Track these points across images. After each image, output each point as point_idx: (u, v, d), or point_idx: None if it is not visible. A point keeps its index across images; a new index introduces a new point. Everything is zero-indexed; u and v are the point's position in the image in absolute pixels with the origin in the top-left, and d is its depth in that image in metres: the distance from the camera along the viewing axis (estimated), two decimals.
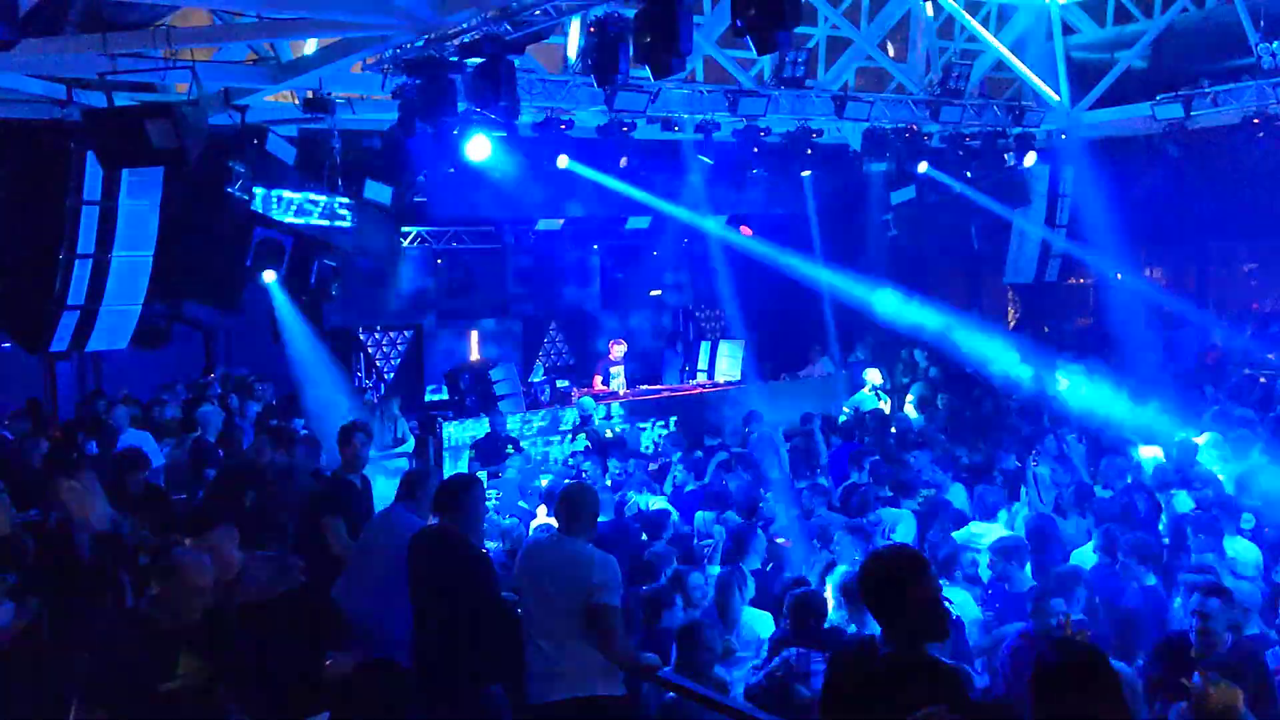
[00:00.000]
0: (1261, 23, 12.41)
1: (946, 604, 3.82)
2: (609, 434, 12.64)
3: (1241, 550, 7.07)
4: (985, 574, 6.78)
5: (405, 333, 14.47)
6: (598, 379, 14.71)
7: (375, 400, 13.24)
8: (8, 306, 11.33)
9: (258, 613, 5.02)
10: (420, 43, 9.09)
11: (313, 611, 5.34)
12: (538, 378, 14.75)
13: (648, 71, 7.74)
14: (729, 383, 15.49)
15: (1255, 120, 12.93)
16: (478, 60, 8.90)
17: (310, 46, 10.42)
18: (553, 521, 6.68)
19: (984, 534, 7.47)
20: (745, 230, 16.39)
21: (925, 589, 3.69)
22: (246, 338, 12.84)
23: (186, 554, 4.85)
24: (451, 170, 12.15)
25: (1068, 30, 15.11)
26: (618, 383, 14.57)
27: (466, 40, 8.80)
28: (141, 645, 4.53)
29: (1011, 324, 19.03)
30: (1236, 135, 13.34)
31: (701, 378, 16.03)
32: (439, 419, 12.81)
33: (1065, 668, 3.25)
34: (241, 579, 5.21)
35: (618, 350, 15.00)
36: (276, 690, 4.79)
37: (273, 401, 12.21)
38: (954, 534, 7.58)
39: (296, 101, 11.07)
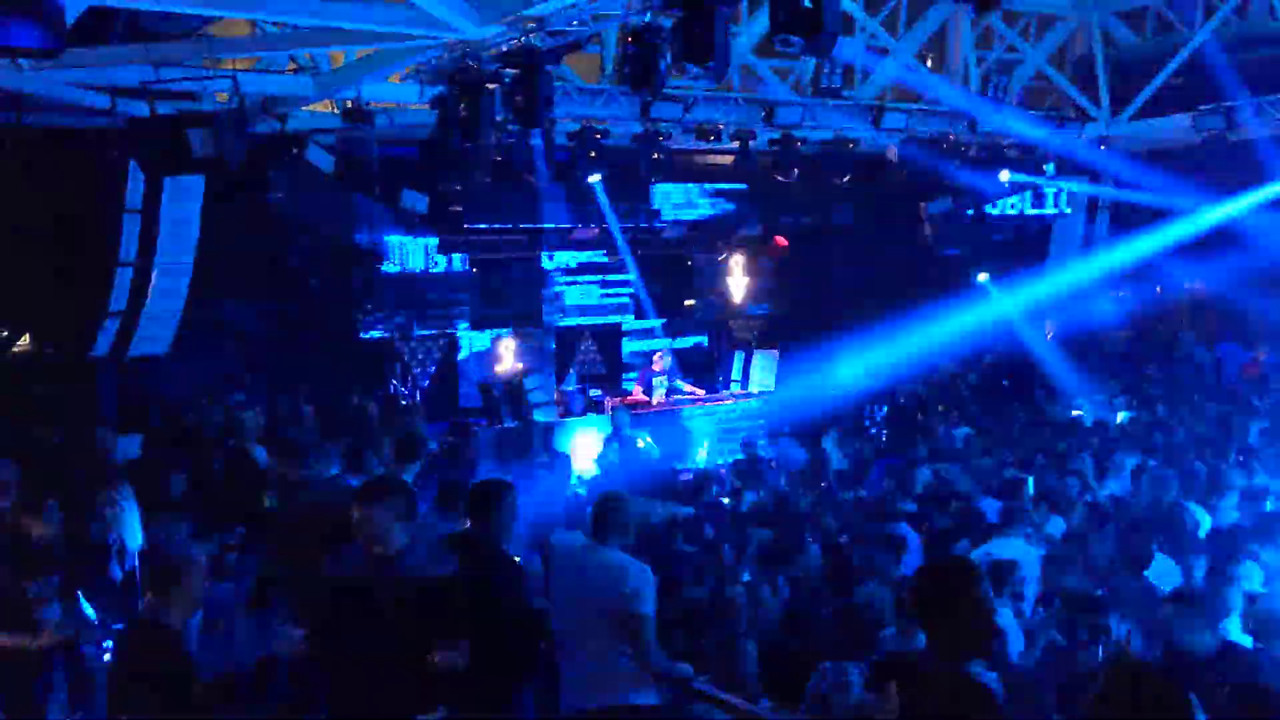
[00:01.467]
0: None
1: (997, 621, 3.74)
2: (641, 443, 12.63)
3: None
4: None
5: (440, 341, 14.51)
6: (638, 389, 14.77)
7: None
8: (51, 313, 11.50)
9: (411, 591, 4.99)
10: (458, 53, 9.15)
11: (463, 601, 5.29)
12: (571, 386, 14.77)
13: (684, 81, 7.76)
14: (762, 393, 15.46)
15: None
16: (514, 70, 8.96)
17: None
18: None
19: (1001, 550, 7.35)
20: (780, 241, 16.36)
21: (975, 603, 3.63)
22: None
23: (189, 551, 4.88)
24: (487, 179, 12.20)
25: (1108, 40, 14.98)
26: (660, 394, 14.64)
27: (503, 50, 8.85)
28: (156, 653, 4.50)
29: (1049, 336, 18.82)
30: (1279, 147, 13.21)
31: (735, 388, 16.01)
32: (473, 427, 12.85)
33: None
34: (401, 558, 5.14)
35: (662, 361, 15.07)
36: (404, 677, 4.80)
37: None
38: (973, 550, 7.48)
39: (335, 111, 11.18)
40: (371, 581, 4.88)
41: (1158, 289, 19.08)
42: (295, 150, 11.08)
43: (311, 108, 11.41)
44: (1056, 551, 7.34)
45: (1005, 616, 6.15)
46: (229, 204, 11.36)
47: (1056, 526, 8.13)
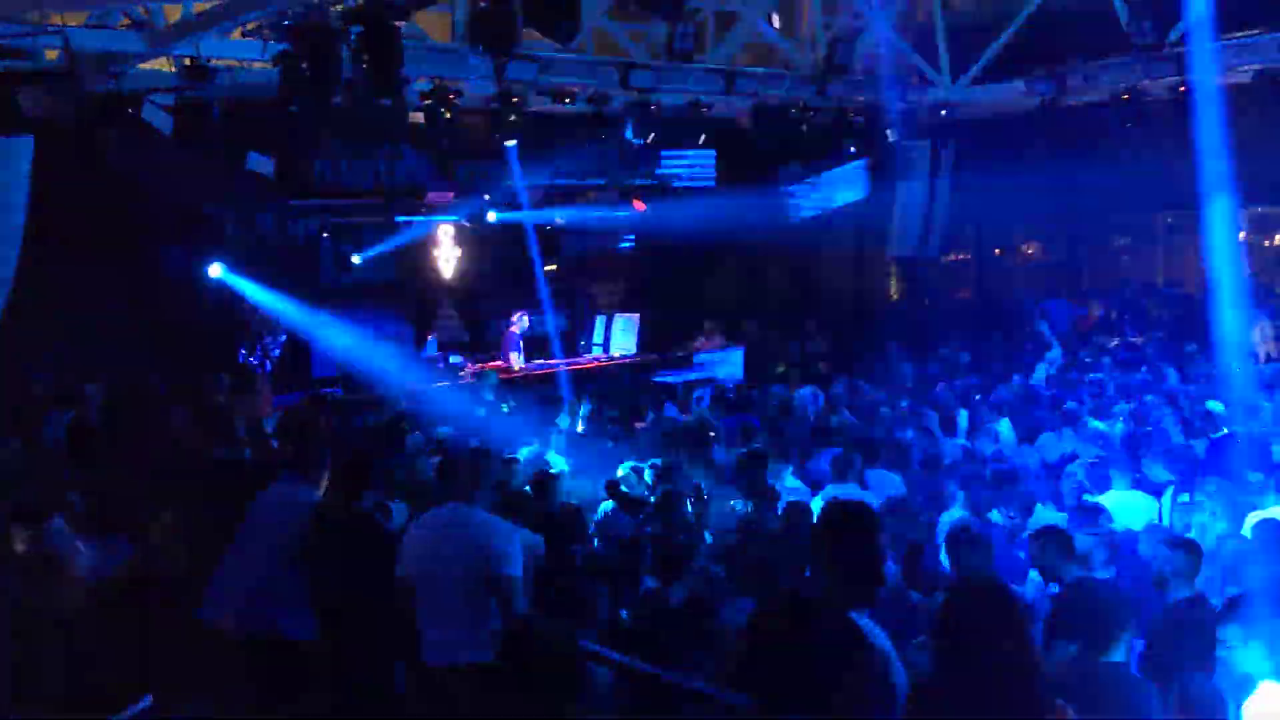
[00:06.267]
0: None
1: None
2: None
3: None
4: None
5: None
6: (514, 355, 14.74)
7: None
8: None
9: (91, 596, 5.02)
10: (302, 8, 8.88)
11: (145, 593, 5.30)
12: (431, 354, 14.57)
13: (538, 42, 7.72)
14: (624, 356, 15.59)
15: (1125, 97, 13.40)
16: (362, 26, 8.74)
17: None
18: None
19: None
20: (638, 204, 16.45)
21: (862, 546, 3.63)
22: None
23: (63, 541, 4.87)
24: (337, 141, 11.92)
25: (947, 6, 15.41)
26: (520, 360, 14.69)
27: (350, 5, 8.64)
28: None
29: (894, 297, 19.48)
30: (1107, 112, 13.81)
31: (597, 352, 16.09)
32: (329, 397, 12.61)
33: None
34: (77, 565, 5.24)
35: (520, 324, 15.06)
36: (105, 673, 4.74)
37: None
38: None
39: (174, 69, 10.73)
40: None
41: (997, 250, 19.95)
42: (131, 110, 10.59)
43: (148, 65, 10.94)
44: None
45: None
46: (62, 167, 10.81)
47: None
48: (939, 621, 3.33)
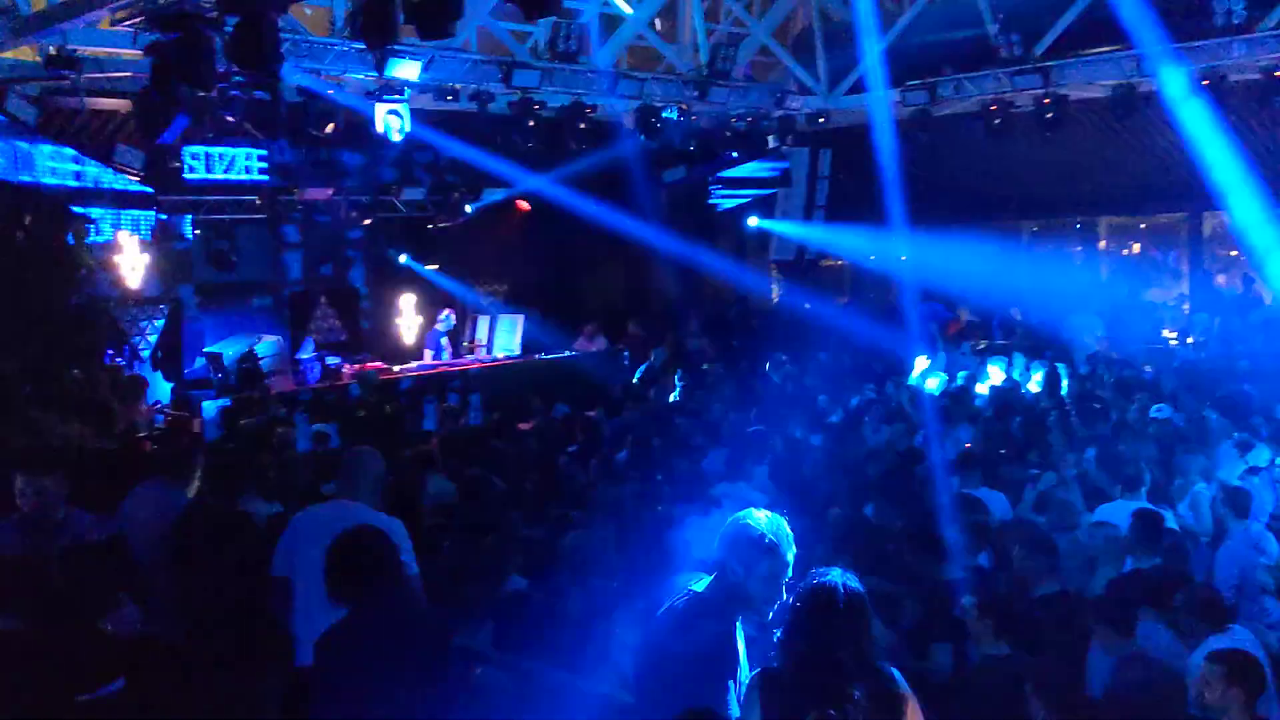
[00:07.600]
0: (1000, 14, 13.35)
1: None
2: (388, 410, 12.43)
3: None
4: None
5: (161, 308, 13.56)
6: (428, 353, 15.10)
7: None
8: None
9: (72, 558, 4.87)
10: None
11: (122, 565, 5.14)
12: (307, 354, 14.27)
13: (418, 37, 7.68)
14: (509, 357, 15.54)
15: (993, 107, 13.90)
16: (237, 16, 8.54)
17: None
18: None
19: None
20: (521, 205, 16.41)
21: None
22: None
23: None
24: (211, 135, 11.59)
25: (826, 16, 15.77)
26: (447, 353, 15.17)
27: None
28: None
29: (775, 299, 19.83)
30: (976, 122, 14.30)
31: (481, 353, 15.99)
32: (201, 399, 12.29)
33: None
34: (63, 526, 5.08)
35: (445, 321, 15.34)
36: (77, 648, 4.58)
37: None
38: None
39: (39, 59, 10.33)
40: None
41: (871, 256, 20.44)
42: None
43: (11, 54, 10.51)
44: None
45: None
46: None
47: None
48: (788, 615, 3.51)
